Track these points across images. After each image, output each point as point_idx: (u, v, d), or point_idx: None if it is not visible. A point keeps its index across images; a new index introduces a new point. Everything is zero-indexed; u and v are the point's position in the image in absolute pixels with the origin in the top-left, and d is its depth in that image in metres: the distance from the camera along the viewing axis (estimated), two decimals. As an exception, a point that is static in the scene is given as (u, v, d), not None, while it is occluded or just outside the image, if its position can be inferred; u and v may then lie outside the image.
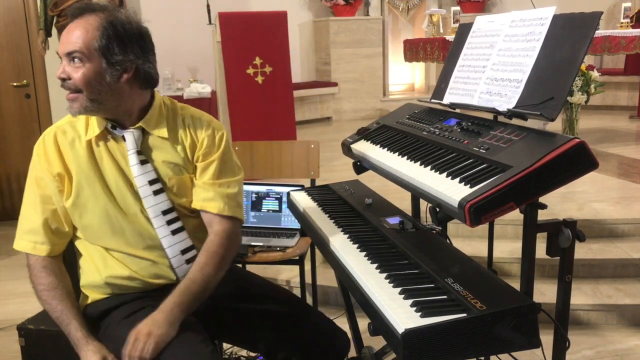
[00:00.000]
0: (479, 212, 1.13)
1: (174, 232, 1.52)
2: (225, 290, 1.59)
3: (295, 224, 2.46)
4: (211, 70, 4.73)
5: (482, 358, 1.67)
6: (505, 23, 1.59)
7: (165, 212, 1.51)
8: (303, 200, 1.96)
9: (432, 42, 4.74)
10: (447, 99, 1.72)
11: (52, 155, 1.50)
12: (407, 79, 8.15)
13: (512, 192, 1.15)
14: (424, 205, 1.84)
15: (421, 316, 1.12)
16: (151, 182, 1.50)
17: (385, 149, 1.67)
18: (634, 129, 5.63)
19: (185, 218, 1.56)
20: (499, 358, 1.59)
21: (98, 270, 1.52)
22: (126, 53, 1.41)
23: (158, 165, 1.52)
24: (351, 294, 1.67)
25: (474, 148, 1.36)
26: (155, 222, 1.50)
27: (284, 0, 6.15)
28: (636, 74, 6.49)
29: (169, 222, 1.51)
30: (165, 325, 1.37)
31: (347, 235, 1.57)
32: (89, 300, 1.55)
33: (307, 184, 2.43)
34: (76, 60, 1.39)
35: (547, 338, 1.26)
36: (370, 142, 1.79)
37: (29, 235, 1.51)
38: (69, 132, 1.52)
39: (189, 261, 1.52)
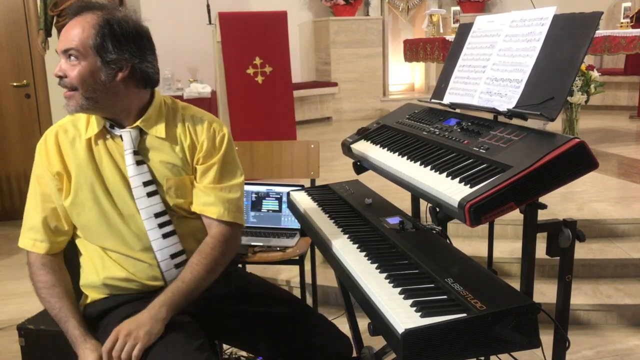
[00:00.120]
0: (479, 212, 1.13)
1: (164, 236, 1.50)
2: (225, 291, 1.59)
3: (295, 224, 2.46)
4: (211, 70, 4.73)
5: (482, 358, 1.67)
6: (505, 23, 1.59)
7: (157, 215, 1.49)
8: (303, 200, 1.96)
9: (432, 42, 4.74)
10: (447, 99, 1.72)
11: (53, 154, 1.50)
12: (407, 79, 8.15)
13: (512, 192, 1.15)
14: (424, 205, 1.85)
15: (421, 316, 1.12)
16: (145, 184, 1.49)
17: (385, 149, 1.67)
18: (634, 129, 5.63)
19: (184, 220, 1.55)
20: (499, 358, 1.59)
21: (96, 271, 1.52)
22: (121, 52, 1.41)
23: (155, 166, 1.51)
24: (351, 294, 1.67)
25: (474, 148, 1.36)
26: (147, 224, 1.49)
27: (284, 0, 6.16)
28: (636, 74, 6.49)
29: (161, 225, 1.50)
30: (148, 325, 1.36)
31: (347, 235, 1.57)
32: (89, 300, 1.55)
33: (307, 184, 2.43)
34: (72, 58, 1.40)
35: (547, 338, 1.26)
36: (370, 142, 1.79)
37: (30, 233, 1.52)
38: (70, 130, 1.52)
39: (178, 266, 1.51)
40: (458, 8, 5.53)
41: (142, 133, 1.52)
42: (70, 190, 1.49)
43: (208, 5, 4.67)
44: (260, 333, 1.60)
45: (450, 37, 4.56)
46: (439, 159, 1.42)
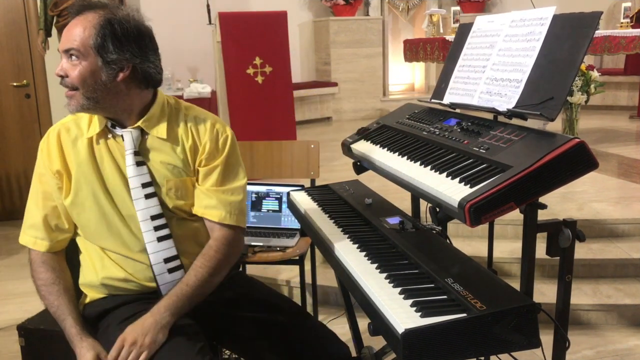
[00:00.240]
0: (479, 212, 1.13)
1: (159, 239, 1.49)
2: (228, 295, 1.58)
3: (295, 224, 2.46)
4: (211, 70, 4.73)
5: (482, 358, 1.67)
6: (505, 23, 1.59)
7: (153, 217, 1.48)
8: (303, 200, 1.96)
9: (432, 42, 4.74)
10: (447, 99, 1.72)
11: (54, 153, 1.50)
12: (407, 79, 8.15)
13: (512, 192, 1.15)
14: (424, 205, 1.84)
15: (421, 316, 1.12)
16: (144, 185, 1.48)
17: (385, 149, 1.67)
18: (634, 129, 5.63)
19: (184, 221, 1.55)
20: (499, 358, 1.59)
21: (95, 270, 1.52)
22: (122, 52, 1.40)
23: (156, 167, 1.50)
24: (351, 294, 1.66)
25: (474, 148, 1.36)
26: (142, 225, 1.48)
27: (284, 0, 6.16)
28: (636, 74, 6.49)
29: (157, 228, 1.48)
30: (153, 332, 1.36)
31: (347, 235, 1.57)
32: (88, 300, 1.55)
33: (307, 184, 2.43)
34: (73, 57, 1.39)
35: (547, 338, 1.26)
36: (370, 142, 1.79)
37: (31, 230, 1.52)
38: (73, 129, 1.51)
39: (171, 271, 1.49)
40: (458, 8, 5.53)
41: (143, 133, 1.51)
42: (70, 189, 1.49)
43: (208, 5, 4.68)
44: (260, 340, 1.58)
45: (450, 37, 4.56)
46: (439, 159, 1.42)
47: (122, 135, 1.49)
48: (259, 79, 4.29)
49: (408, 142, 1.63)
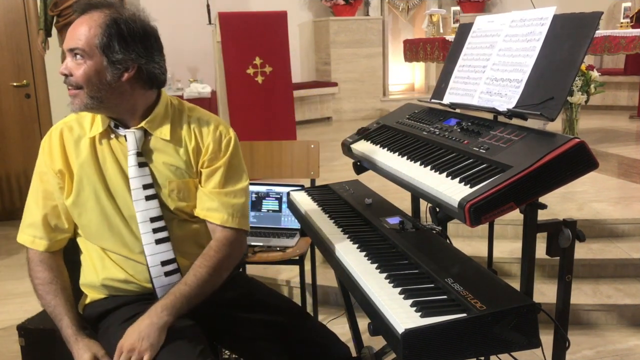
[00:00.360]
0: (479, 212, 1.13)
1: (157, 242, 1.48)
2: (230, 296, 1.58)
3: (295, 224, 2.46)
4: (211, 70, 4.73)
5: (482, 358, 1.67)
6: (505, 23, 1.59)
7: (153, 220, 1.48)
8: (303, 200, 1.96)
9: (432, 42, 4.74)
10: (447, 99, 1.72)
11: (56, 152, 1.49)
12: (407, 79, 8.15)
13: (512, 192, 1.15)
14: (424, 205, 1.85)
15: (421, 316, 1.12)
16: (145, 187, 1.47)
17: (385, 149, 1.67)
18: (634, 129, 5.63)
19: (185, 223, 1.54)
20: (499, 358, 1.59)
21: (95, 271, 1.51)
22: (128, 52, 1.39)
23: (159, 168, 1.49)
24: (351, 294, 1.66)
25: (474, 148, 1.36)
26: (141, 227, 1.47)
27: (284, 0, 6.16)
28: (636, 74, 6.49)
29: (155, 231, 1.48)
30: (151, 335, 1.34)
31: (347, 235, 1.57)
32: (88, 300, 1.55)
33: (307, 184, 2.43)
34: (78, 56, 1.38)
35: (547, 338, 1.26)
36: (370, 142, 1.79)
37: (29, 229, 1.51)
38: (76, 129, 1.51)
39: (168, 274, 1.49)
40: (458, 8, 5.53)
41: (146, 134, 1.50)
42: (72, 189, 1.49)
43: (208, 5, 4.68)
44: (260, 341, 1.58)
45: (450, 37, 4.56)
46: (439, 159, 1.42)
47: (125, 136, 1.48)
48: (259, 79, 4.29)
49: (408, 142, 1.63)
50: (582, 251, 2.86)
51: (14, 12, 4.49)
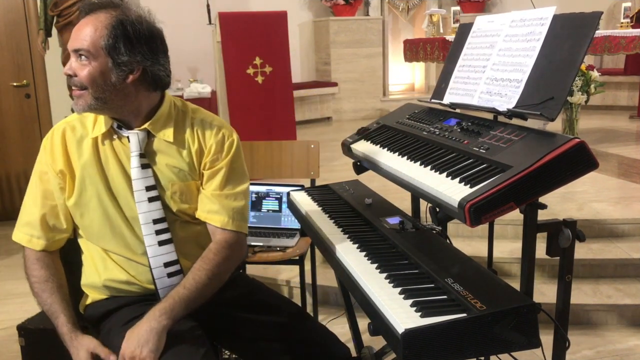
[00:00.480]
0: (479, 212, 1.13)
1: (160, 243, 1.47)
2: (231, 296, 1.58)
3: (295, 224, 2.46)
4: (211, 70, 4.73)
5: (482, 358, 1.67)
6: (505, 23, 1.59)
7: (155, 221, 1.47)
8: (303, 200, 1.96)
9: (432, 42, 4.75)
10: (447, 99, 1.72)
11: (58, 152, 1.48)
12: (407, 79, 8.15)
13: (512, 192, 1.15)
14: (424, 205, 1.85)
15: (421, 316, 1.12)
16: (148, 188, 1.47)
17: (385, 149, 1.67)
18: (634, 129, 5.64)
19: (187, 224, 1.54)
20: (499, 358, 1.59)
21: (97, 272, 1.51)
22: (133, 54, 1.38)
23: (162, 169, 1.49)
24: (351, 294, 1.66)
25: (474, 148, 1.36)
26: (144, 229, 1.47)
27: (284, 0, 6.16)
28: (636, 74, 6.49)
29: (158, 232, 1.47)
30: (150, 341, 1.32)
31: (347, 235, 1.57)
32: (89, 300, 1.55)
33: (307, 184, 2.43)
34: (83, 57, 1.37)
35: (547, 338, 1.26)
36: (370, 142, 1.79)
37: (26, 228, 1.51)
38: (78, 128, 1.50)
39: (170, 275, 1.49)
40: (458, 8, 5.53)
41: (149, 135, 1.49)
42: (73, 190, 1.48)
43: (208, 5, 4.68)
44: (261, 341, 1.58)
45: (450, 37, 4.56)
46: (439, 159, 1.42)
47: (128, 137, 1.48)
48: (259, 79, 4.29)
49: (408, 142, 1.63)
50: (582, 251, 2.86)
51: (14, 12, 4.49)
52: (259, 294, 1.69)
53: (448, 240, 1.62)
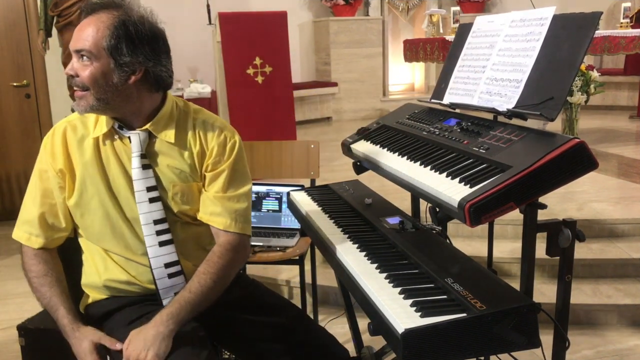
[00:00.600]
0: (479, 212, 1.13)
1: (161, 244, 1.47)
2: (227, 298, 1.58)
3: (295, 224, 2.46)
4: (211, 70, 4.73)
5: (482, 358, 1.67)
6: (505, 23, 1.59)
7: (156, 222, 1.47)
8: (303, 200, 1.96)
9: (432, 42, 4.75)
10: (447, 99, 1.72)
11: (58, 151, 1.48)
12: (407, 79, 8.15)
13: (512, 192, 1.15)
14: (424, 205, 1.85)
15: (421, 316, 1.12)
16: (149, 189, 1.46)
17: (385, 149, 1.67)
18: (634, 129, 5.64)
19: (188, 225, 1.54)
20: (499, 358, 1.59)
21: (98, 272, 1.51)
22: (135, 55, 1.38)
23: (163, 170, 1.49)
24: (351, 294, 1.67)
25: (474, 148, 1.36)
26: (145, 229, 1.47)
27: (284, 0, 6.15)
28: (636, 74, 6.49)
29: (159, 233, 1.47)
30: (156, 344, 1.32)
31: (347, 235, 1.57)
32: (90, 300, 1.55)
33: (307, 184, 2.43)
34: (85, 58, 1.37)
35: (547, 338, 1.26)
36: (370, 142, 1.79)
37: (26, 226, 1.50)
38: (79, 128, 1.49)
39: (171, 276, 1.48)
40: (458, 8, 5.53)
41: (151, 136, 1.49)
42: (73, 189, 1.48)
43: (208, 5, 4.68)
44: (261, 342, 1.58)
45: (450, 37, 4.56)
46: (439, 159, 1.42)
47: (129, 137, 1.47)
48: (259, 79, 4.29)
49: (408, 142, 1.63)
50: (582, 251, 2.86)
51: (14, 12, 4.49)
52: (259, 295, 1.69)
53: (448, 240, 1.62)
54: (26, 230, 1.50)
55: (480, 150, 1.33)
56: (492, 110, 1.50)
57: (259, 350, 1.59)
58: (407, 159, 1.52)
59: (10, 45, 4.50)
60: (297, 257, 2.35)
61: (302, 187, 2.16)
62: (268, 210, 2.57)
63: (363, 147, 1.79)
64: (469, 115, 1.61)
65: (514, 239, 3.02)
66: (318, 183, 2.40)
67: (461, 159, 1.37)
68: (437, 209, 1.65)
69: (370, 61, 7.14)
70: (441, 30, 5.51)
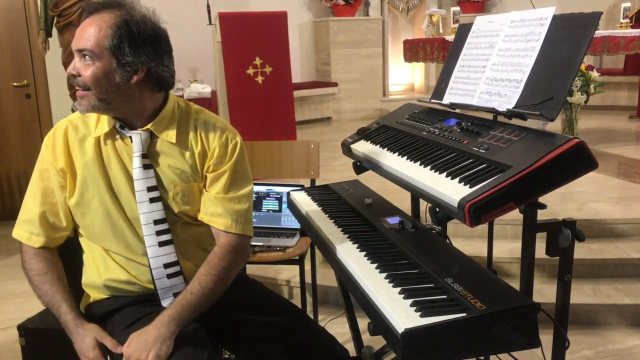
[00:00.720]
0: (479, 212, 1.14)
1: (161, 244, 1.47)
2: (227, 298, 1.58)
3: (295, 224, 2.46)
4: (211, 70, 4.73)
5: (482, 358, 1.67)
6: (505, 23, 1.59)
7: (156, 222, 1.47)
8: (303, 200, 1.96)
9: (431, 42, 4.75)
10: (447, 99, 1.73)
11: (59, 150, 1.48)
12: (407, 79, 8.15)
13: (512, 192, 1.15)
14: (424, 205, 1.85)
15: (421, 316, 1.12)
16: (150, 189, 1.46)
17: (385, 149, 1.67)
18: (634, 129, 5.64)
19: (188, 226, 1.54)
20: (498, 358, 1.60)
21: (98, 272, 1.51)
22: (138, 54, 1.38)
23: (164, 170, 1.49)
24: (351, 294, 1.67)
25: (474, 148, 1.36)
26: (145, 229, 1.47)
27: (284, 0, 6.15)
28: (636, 74, 6.49)
29: (158, 233, 1.47)
30: (157, 345, 1.33)
31: (347, 235, 1.57)
32: (91, 300, 1.55)
33: (307, 184, 2.43)
34: (87, 57, 1.36)
35: (546, 338, 1.26)
36: (370, 142, 1.80)
37: (26, 225, 1.50)
38: (81, 127, 1.49)
39: (170, 276, 1.48)
40: (458, 8, 5.54)
41: (152, 136, 1.49)
42: (74, 189, 1.48)
43: (208, 5, 4.68)
44: (261, 342, 1.58)
45: (450, 37, 4.56)
46: (439, 159, 1.42)
47: (130, 137, 1.47)
48: (259, 79, 4.29)
49: (408, 142, 1.63)
50: (582, 251, 2.86)
51: (14, 12, 4.49)
52: (259, 295, 1.69)
53: (448, 240, 1.62)
54: (27, 229, 1.50)
55: (480, 150, 1.33)
56: (492, 111, 1.50)
57: (259, 350, 1.59)
58: (407, 159, 1.52)
59: (11, 46, 4.50)
60: (297, 257, 2.36)
61: (302, 187, 2.16)
62: (268, 210, 2.57)
63: (363, 147, 1.80)
64: (468, 115, 1.61)
65: (513, 239, 3.02)
66: (318, 183, 2.40)
67: (461, 159, 1.37)
68: (437, 209, 1.64)
69: (370, 61, 7.14)
70: (441, 31, 5.51)
